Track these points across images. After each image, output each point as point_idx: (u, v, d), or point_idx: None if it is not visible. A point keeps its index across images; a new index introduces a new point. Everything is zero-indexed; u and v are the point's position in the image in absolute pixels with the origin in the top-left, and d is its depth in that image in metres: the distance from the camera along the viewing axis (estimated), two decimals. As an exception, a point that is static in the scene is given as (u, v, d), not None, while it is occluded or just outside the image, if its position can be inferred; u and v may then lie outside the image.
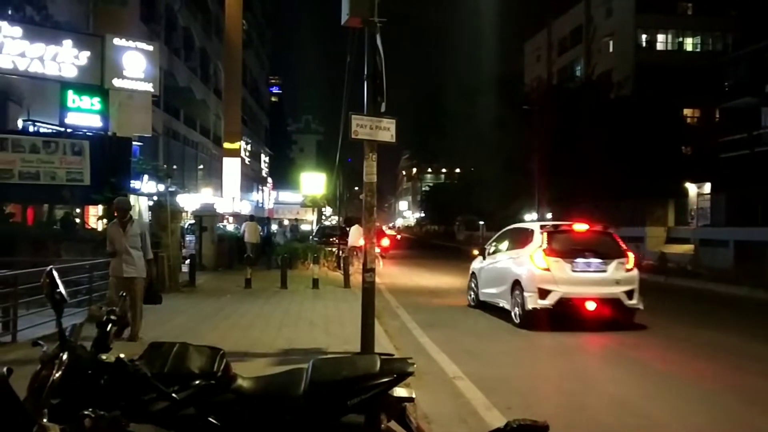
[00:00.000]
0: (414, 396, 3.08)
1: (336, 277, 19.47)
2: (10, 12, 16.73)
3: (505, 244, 13.71)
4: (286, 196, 64.16)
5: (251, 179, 59.67)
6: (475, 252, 15.66)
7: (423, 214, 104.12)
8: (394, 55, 11.35)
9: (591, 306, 11.15)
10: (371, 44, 8.34)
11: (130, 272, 8.79)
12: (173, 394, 2.61)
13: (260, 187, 65.82)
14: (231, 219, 39.17)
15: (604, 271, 11.38)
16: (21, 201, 15.88)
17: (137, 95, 17.35)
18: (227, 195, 43.72)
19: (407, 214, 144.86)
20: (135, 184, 17.37)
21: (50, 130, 17.23)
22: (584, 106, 40.63)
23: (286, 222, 36.06)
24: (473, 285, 14.49)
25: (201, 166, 44.39)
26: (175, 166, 34.02)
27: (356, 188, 73.58)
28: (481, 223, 62.45)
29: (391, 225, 47.10)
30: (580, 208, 39.59)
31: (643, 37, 51.71)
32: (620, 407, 6.65)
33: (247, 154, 56.64)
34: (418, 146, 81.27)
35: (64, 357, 2.35)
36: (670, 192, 33.75)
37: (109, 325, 2.79)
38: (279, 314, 12.31)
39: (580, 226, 12.45)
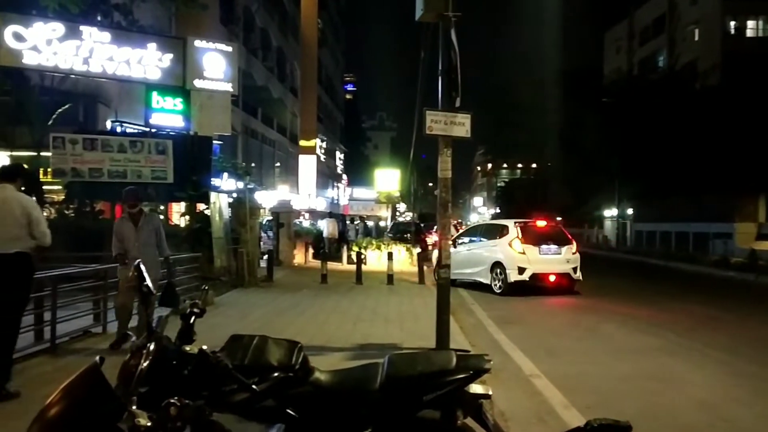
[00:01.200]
0: (491, 393, 3.04)
1: (411, 273, 19.49)
2: (99, 18, 17.50)
3: (477, 237, 18.18)
4: (360, 192, 64.75)
5: (326, 176, 60.48)
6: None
7: (498, 210, 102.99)
8: (469, 48, 11.24)
9: (552, 278, 15.86)
10: (445, 39, 8.28)
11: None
12: (253, 386, 2.66)
13: (335, 184, 66.62)
14: (307, 215, 39.82)
15: (560, 253, 16.07)
16: (109, 199, 16.61)
17: (217, 95, 17.83)
18: (303, 192, 44.46)
19: (482, 210, 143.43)
20: (215, 181, 17.88)
21: (136, 130, 17.96)
22: (667, 97, 39.10)
23: (357, 220, 36.32)
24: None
25: (278, 164, 45.30)
26: (253, 164, 34.83)
27: (430, 184, 73.56)
28: (559, 219, 61.27)
29: (458, 221, 46.71)
30: (663, 205, 38.26)
31: (732, 23, 49.19)
32: (706, 410, 6.37)
33: (323, 151, 57.42)
34: (493, 141, 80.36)
35: (151, 347, 2.41)
36: (761, 187, 32.12)
37: (192, 318, 2.85)
38: (355, 309, 12.43)
39: (541, 222, 17.41)
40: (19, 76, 17.38)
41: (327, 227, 26.61)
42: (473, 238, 18.25)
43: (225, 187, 19.84)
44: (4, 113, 20.32)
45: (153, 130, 17.52)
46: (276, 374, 2.83)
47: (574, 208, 55.05)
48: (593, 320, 12.08)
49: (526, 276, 15.53)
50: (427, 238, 27.93)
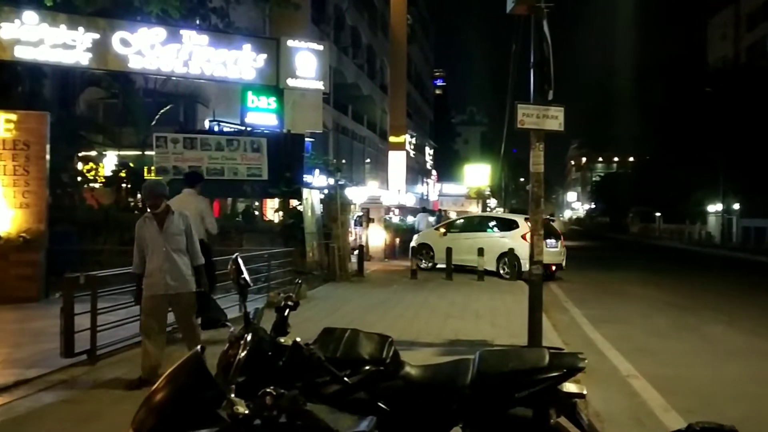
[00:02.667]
0: (585, 392, 2.98)
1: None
2: (198, 22, 18.20)
3: (474, 228, 19.92)
4: (450, 188, 64.47)
5: (416, 172, 60.62)
6: (442, 230, 20.59)
7: (593, 206, 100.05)
8: (561, 38, 10.98)
9: (553, 268, 17.80)
10: (538, 31, 8.12)
11: (174, 286, 6.26)
12: (345, 378, 2.71)
13: (424, 180, 66.64)
14: (397, 211, 40.04)
15: (556, 247, 18.17)
16: (208, 195, 17.17)
17: (309, 93, 18.15)
18: (393, 187, 44.66)
19: (576, 205, 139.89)
20: (307, 178, 18.25)
21: (232, 129, 18.56)
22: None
23: (431, 217, 36.17)
24: (428, 253, 19.92)
25: (368, 160, 45.77)
26: (344, 160, 35.34)
27: (522, 179, 72.31)
28: (658, 214, 58.78)
29: (550, 215, 45.50)
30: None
31: None
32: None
33: (412, 147, 57.58)
34: (588, 134, 78.08)
35: (248, 338, 2.49)
36: None
37: (287, 311, 2.94)
38: (445, 305, 12.39)
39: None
40: (125, 79, 18.32)
41: (422, 222, 26.60)
42: (466, 228, 20.04)
43: (317, 183, 20.23)
44: (112, 115, 21.53)
45: (248, 129, 18.06)
46: (367, 367, 2.86)
47: (674, 204, 52.71)
48: (695, 321, 11.55)
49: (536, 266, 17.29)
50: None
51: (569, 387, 2.90)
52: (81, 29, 14.32)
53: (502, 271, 17.78)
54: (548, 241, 16.49)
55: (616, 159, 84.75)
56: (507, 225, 19.05)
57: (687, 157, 44.46)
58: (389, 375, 2.90)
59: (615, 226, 75.61)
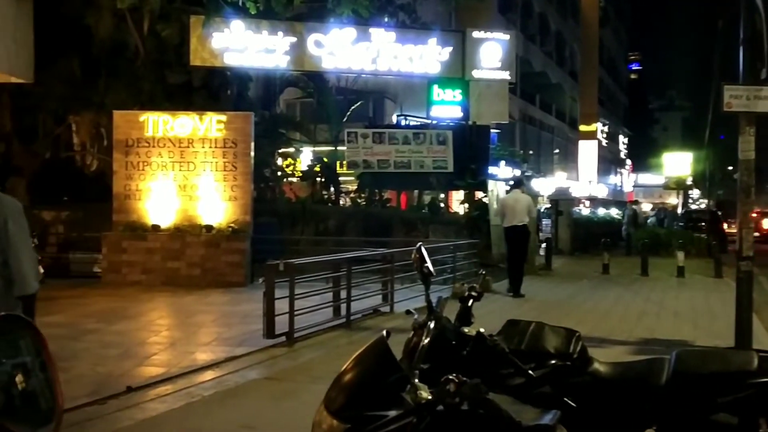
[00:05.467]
0: (804, 403, 2.64)
1: (705, 266, 17.75)
2: (386, 19, 18.75)
3: None
4: (645, 178, 60.74)
5: (608, 161, 57.83)
6: None
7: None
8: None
9: None
10: (748, 3, 7.36)
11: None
12: (530, 371, 2.65)
13: (618, 170, 63.33)
14: (587, 203, 38.48)
15: None
16: (395, 188, 17.79)
17: (494, 84, 17.91)
18: (583, 178, 43.00)
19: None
20: (492, 169, 18.11)
21: (418, 123, 18.91)
22: None
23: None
24: None
25: (556, 150, 44.41)
26: (531, 151, 34.64)
27: (729, 168, 66.12)
28: None
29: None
30: None
31: None
32: None
33: (604, 135, 54.97)
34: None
35: (431, 326, 2.49)
36: None
37: (470, 301, 2.93)
38: (639, 302, 11.71)
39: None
40: (320, 79, 19.39)
41: (630, 216, 25.39)
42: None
43: (502, 174, 19.98)
44: (308, 113, 22.91)
45: (433, 122, 18.30)
46: (553, 361, 2.79)
47: None
48: None
49: None
50: (725, 228, 25.37)
51: None
52: (280, 34, 15.35)
53: None
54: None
55: None
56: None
57: None
58: (576, 370, 2.79)
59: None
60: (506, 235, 12.41)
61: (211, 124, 12.53)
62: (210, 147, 12.51)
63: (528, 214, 12.03)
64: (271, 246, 12.94)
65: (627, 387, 2.78)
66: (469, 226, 15.38)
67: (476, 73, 17.58)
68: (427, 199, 19.04)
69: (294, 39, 15.51)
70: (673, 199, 45.81)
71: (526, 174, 19.39)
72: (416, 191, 18.90)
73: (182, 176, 12.52)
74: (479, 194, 16.22)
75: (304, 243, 13.70)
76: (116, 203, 12.56)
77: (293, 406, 5.24)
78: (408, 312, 2.93)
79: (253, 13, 14.69)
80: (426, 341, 2.38)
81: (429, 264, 2.87)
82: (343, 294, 8.69)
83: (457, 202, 19.71)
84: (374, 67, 16.62)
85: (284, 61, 15.69)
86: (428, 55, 16.86)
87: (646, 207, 43.62)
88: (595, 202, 40.22)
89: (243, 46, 15.07)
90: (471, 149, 16.04)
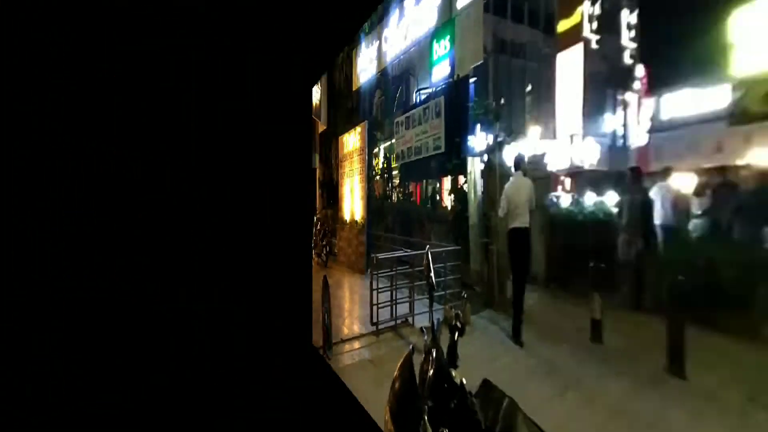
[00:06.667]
0: None
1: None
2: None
3: None
4: (680, 103, 22.44)
5: (602, 83, 23.77)
6: None
7: None
8: None
9: None
10: None
11: None
12: None
13: (620, 97, 24.66)
14: (567, 181, 26.92)
15: None
16: (414, 179, 14.78)
17: (471, 10, 10.82)
18: (562, 131, 23.91)
19: None
20: (470, 140, 12.13)
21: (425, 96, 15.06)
22: None
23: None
24: None
25: (528, 87, 27.56)
26: (502, 99, 22.38)
27: None
28: None
29: None
30: None
31: None
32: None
33: (594, 27, 29.50)
34: None
35: (434, 355, 2.36)
36: None
37: (456, 334, 2.62)
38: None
39: None
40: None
41: (638, 204, 15.52)
42: None
43: (477, 146, 12.97)
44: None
45: (432, 89, 13.81)
46: None
47: None
48: None
49: None
50: None
51: None
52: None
53: None
54: None
55: None
56: None
57: None
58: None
59: None
60: (508, 243, 8.43)
61: (356, 134, 13.86)
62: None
63: (529, 208, 8.07)
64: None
65: None
66: (455, 227, 10.90)
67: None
68: (429, 190, 15.09)
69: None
70: (758, 150, 25.83)
71: (499, 140, 12.28)
72: (424, 181, 15.13)
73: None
74: (462, 180, 11.87)
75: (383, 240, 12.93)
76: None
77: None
78: (422, 330, 2.76)
79: None
80: (430, 373, 2.35)
81: (432, 274, 2.80)
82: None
83: (446, 192, 13.74)
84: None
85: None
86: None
87: (683, 182, 18.34)
88: (580, 178, 28.92)
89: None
90: (456, 114, 11.73)
